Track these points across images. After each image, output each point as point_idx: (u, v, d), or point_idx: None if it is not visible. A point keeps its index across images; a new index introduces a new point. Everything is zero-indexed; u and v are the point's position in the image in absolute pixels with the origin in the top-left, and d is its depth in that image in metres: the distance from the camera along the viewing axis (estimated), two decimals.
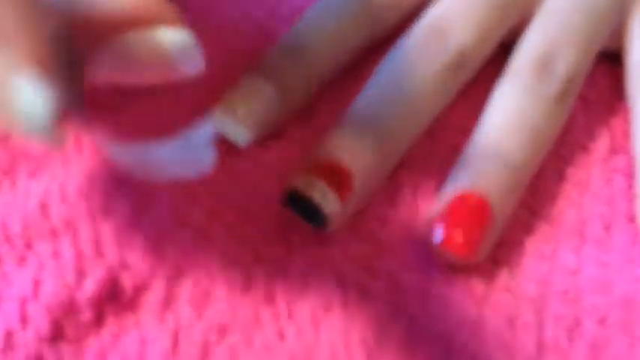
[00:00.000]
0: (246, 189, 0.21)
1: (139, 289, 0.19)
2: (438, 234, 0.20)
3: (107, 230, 0.20)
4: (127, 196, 0.20)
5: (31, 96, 0.12)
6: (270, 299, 0.20)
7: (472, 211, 0.21)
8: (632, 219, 0.22)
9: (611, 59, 0.26)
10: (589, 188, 0.23)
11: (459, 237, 0.20)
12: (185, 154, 0.15)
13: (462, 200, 0.21)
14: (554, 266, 0.21)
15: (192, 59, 0.15)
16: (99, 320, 0.18)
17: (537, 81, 0.23)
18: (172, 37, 0.15)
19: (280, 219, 0.21)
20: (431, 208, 0.21)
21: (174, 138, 0.15)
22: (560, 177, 0.23)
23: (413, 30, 0.24)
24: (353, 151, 0.21)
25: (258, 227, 0.21)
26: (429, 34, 0.23)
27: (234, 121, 0.21)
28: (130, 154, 0.15)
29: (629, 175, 0.23)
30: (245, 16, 0.25)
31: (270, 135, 0.22)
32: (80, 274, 0.19)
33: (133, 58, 0.14)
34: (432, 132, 0.24)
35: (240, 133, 0.22)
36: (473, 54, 0.23)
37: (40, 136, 0.13)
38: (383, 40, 0.25)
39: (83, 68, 0.14)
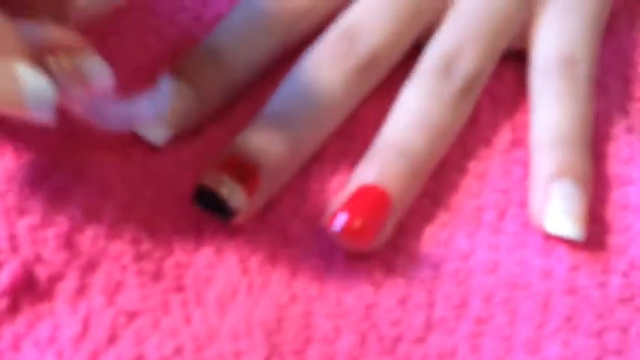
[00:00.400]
0: (160, 184, 0.23)
1: (53, 280, 0.20)
2: (339, 223, 0.22)
3: (22, 226, 0.21)
4: (42, 193, 0.22)
5: (35, 80, 0.15)
6: (179, 287, 0.21)
7: (372, 202, 0.22)
8: (525, 205, 0.24)
9: (517, 57, 0.27)
10: (488, 179, 0.25)
11: (358, 226, 0.22)
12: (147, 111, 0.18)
13: (363, 192, 0.22)
14: (449, 250, 0.23)
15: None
16: (14, 309, 0.20)
17: (440, 80, 0.24)
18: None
19: (192, 212, 0.22)
20: (335, 199, 0.23)
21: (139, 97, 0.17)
22: (462, 169, 0.25)
23: (325, 35, 0.25)
24: (261, 149, 0.22)
25: (170, 220, 0.22)
26: (339, 36, 0.25)
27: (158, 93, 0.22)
28: (102, 110, 0.17)
29: (527, 166, 0.25)
30: (170, 20, 0.26)
31: (186, 133, 0.24)
32: None
33: None
34: (347, 127, 0.25)
35: (158, 132, 0.23)
36: (383, 56, 0.25)
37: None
38: (299, 44, 0.26)
39: None
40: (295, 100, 0.24)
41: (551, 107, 0.25)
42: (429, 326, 0.21)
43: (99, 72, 0.16)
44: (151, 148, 0.23)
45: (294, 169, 0.24)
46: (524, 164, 0.25)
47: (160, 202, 0.22)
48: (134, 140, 0.23)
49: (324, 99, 0.24)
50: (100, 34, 0.25)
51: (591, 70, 0.26)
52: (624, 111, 0.27)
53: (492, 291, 0.22)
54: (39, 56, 0.16)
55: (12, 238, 0.21)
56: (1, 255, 0.20)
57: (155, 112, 0.18)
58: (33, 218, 0.21)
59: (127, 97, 0.19)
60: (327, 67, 0.24)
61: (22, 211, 0.21)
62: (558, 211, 0.23)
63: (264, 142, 0.23)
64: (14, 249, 0.21)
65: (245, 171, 0.22)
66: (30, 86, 0.16)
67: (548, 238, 0.23)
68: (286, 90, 0.24)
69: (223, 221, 0.22)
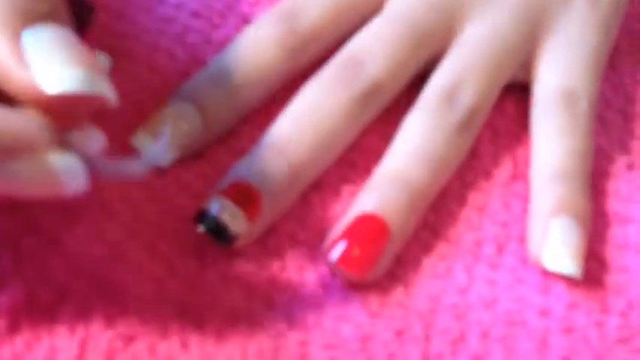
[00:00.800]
0: (163, 207, 0.23)
1: (55, 301, 0.20)
2: (336, 252, 0.22)
3: (26, 247, 0.21)
4: (49, 214, 0.22)
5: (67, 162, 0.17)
6: (179, 312, 0.21)
7: (370, 232, 0.22)
8: (523, 240, 0.24)
9: (520, 89, 0.28)
10: (487, 211, 0.25)
11: (356, 255, 0.22)
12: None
13: (361, 221, 0.22)
14: (447, 283, 0.23)
15: (78, 178, 0.18)
16: (13, 329, 0.20)
17: (442, 112, 0.25)
18: (58, 160, 0.17)
19: (194, 235, 0.22)
20: (335, 228, 0.23)
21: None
22: (462, 200, 0.25)
23: (330, 61, 0.25)
24: (263, 174, 0.23)
25: (173, 243, 0.22)
26: (343, 63, 0.25)
27: (157, 142, 0.23)
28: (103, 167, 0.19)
29: (527, 200, 0.25)
30: (179, 41, 0.27)
31: (191, 156, 0.24)
32: None
33: (17, 181, 0.17)
34: (349, 155, 0.25)
35: (162, 154, 0.23)
36: (387, 84, 0.25)
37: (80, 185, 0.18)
38: (305, 69, 0.26)
39: None
40: (298, 125, 0.24)
41: (551, 142, 0.25)
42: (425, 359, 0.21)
43: (74, 173, 0.18)
44: (154, 170, 0.23)
45: (295, 195, 0.24)
46: (525, 198, 0.25)
47: (162, 224, 0.22)
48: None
49: (327, 125, 0.24)
50: (110, 55, 0.25)
51: (592, 106, 0.26)
52: (625, 148, 0.27)
53: (490, 327, 0.22)
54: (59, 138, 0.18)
55: (16, 258, 0.21)
56: (4, 275, 0.20)
57: (145, 170, 0.19)
58: (38, 239, 0.21)
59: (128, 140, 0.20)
60: (330, 93, 0.24)
61: (26, 232, 0.21)
62: (556, 247, 0.23)
63: (265, 167, 0.23)
64: (18, 269, 0.21)
65: (247, 196, 0.22)
66: (65, 170, 0.17)
67: (546, 274, 0.23)
68: (290, 115, 0.24)
69: (224, 246, 0.22)
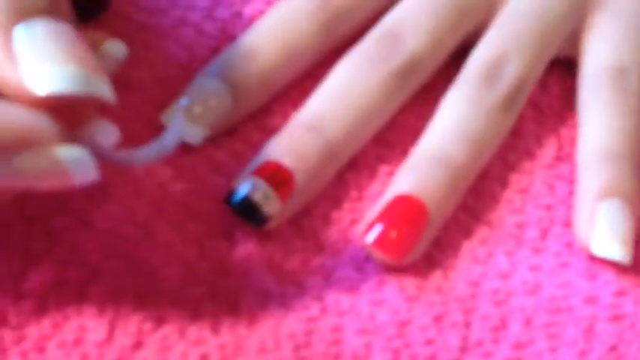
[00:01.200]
0: (194, 186, 0.22)
1: (84, 282, 0.20)
2: (372, 234, 0.21)
3: (57, 226, 0.21)
4: (80, 193, 0.21)
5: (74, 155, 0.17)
6: (210, 295, 0.21)
7: (408, 214, 0.21)
8: (569, 225, 0.23)
9: (565, 66, 0.26)
10: (531, 194, 0.24)
11: (393, 238, 0.21)
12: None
13: (399, 203, 0.22)
14: (488, 268, 0.22)
15: (86, 169, 0.17)
16: (41, 309, 0.19)
17: (484, 88, 0.23)
18: (65, 153, 0.17)
19: (225, 215, 0.22)
20: (371, 209, 0.22)
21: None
22: (504, 183, 0.24)
23: (367, 35, 0.24)
24: (296, 153, 0.22)
25: (203, 224, 0.22)
26: (380, 39, 0.24)
27: (188, 120, 0.22)
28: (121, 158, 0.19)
29: (572, 183, 0.24)
30: (208, 16, 0.26)
31: (221, 134, 0.23)
32: (27, 264, 0.20)
33: (25, 175, 0.17)
34: (385, 135, 0.24)
35: (194, 132, 0.23)
36: (426, 59, 0.24)
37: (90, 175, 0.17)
38: (340, 45, 0.25)
39: None
40: (333, 102, 0.23)
41: (600, 121, 0.24)
42: (464, 348, 0.20)
43: (82, 164, 0.17)
44: (185, 148, 0.23)
45: (330, 175, 0.23)
46: (570, 181, 0.24)
47: (192, 204, 0.22)
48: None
49: (364, 102, 0.23)
50: (140, 30, 0.25)
51: None
52: None
53: (533, 314, 0.21)
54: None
55: (45, 237, 0.20)
56: (33, 254, 0.20)
57: (157, 156, 0.19)
58: (68, 218, 0.21)
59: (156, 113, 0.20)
60: (367, 69, 0.23)
61: (56, 211, 0.21)
62: (604, 232, 0.22)
63: (299, 146, 0.22)
64: (47, 249, 0.20)
65: (279, 176, 0.21)
66: (72, 162, 0.17)
67: (593, 260, 0.22)
68: (324, 92, 0.23)
69: (256, 226, 0.21)
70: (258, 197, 0.21)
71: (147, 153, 0.18)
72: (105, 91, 0.17)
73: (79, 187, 0.17)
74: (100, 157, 0.18)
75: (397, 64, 0.23)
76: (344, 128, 0.23)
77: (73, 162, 0.17)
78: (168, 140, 0.19)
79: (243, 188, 0.21)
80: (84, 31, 0.18)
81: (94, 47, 0.19)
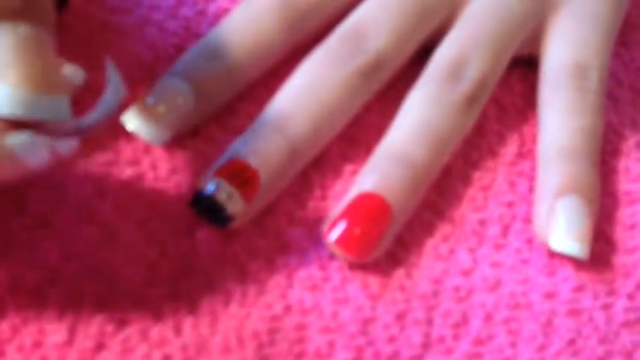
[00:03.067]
0: (157, 186, 0.22)
1: (43, 284, 0.20)
2: (336, 232, 0.21)
3: (15, 227, 0.20)
4: (38, 193, 0.21)
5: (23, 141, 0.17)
6: (172, 295, 0.20)
7: (371, 212, 0.21)
8: (530, 221, 0.23)
9: (527, 64, 0.27)
10: (493, 191, 0.24)
11: (356, 235, 0.21)
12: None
13: (362, 200, 0.22)
14: (450, 265, 0.22)
15: (38, 154, 0.17)
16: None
17: (446, 87, 0.24)
18: (16, 140, 0.17)
19: (188, 215, 0.22)
20: (335, 208, 0.22)
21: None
22: (466, 180, 0.24)
23: (331, 34, 0.24)
24: (260, 153, 0.22)
25: (165, 223, 0.21)
26: (345, 37, 0.24)
27: (150, 120, 0.22)
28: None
29: (533, 179, 0.24)
30: (172, 14, 0.26)
31: (184, 134, 0.23)
32: None
33: None
34: (350, 133, 0.24)
35: (156, 132, 0.22)
36: (389, 58, 0.24)
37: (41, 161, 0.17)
38: (305, 43, 0.25)
39: None
40: (297, 101, 0.23)
41: (560, 118, 0.24)
42: (426, 344, 0.21)
43: (34, 149, 0.17)
44: (147, 148, 0.22)
45: (294, 173, 0.23)
46: (531, 177, 0.24)
47: (155, 204, 0.22)
48: (130, 140, 0.23)
49: (328, 101, 0.23)
50: (101, 29, 0.24)
51: (603, 81, 0.25)
52: (636, 126, 0.26)
53: (493, 310, 0.21)
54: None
55: (2, 239, 0.20)
56: None
57: (105, 115, 0.18)
58: (25, 219, 0.20)
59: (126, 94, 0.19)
60: (331, 67, 0.23)
61: (13, 212, 0.20)
62: (563, 228, 0.22)
63: (263, 145, 0.22)
64: (4, 251, 0.20)
65: (243, 176, 0.21)
66: (21, 147, 0.17)
67: (553, 255, 0.23)
68: (288, 91, 0.23)
69: (220, 226, 0.21)
70: (221, 197, 0.21)
71: (94, 116, 0.18)
72: (60, 113, 0.17)
73: (38, 171, 0.17)
74: (51, 134, 0.17)
75: (361, 62, 0.23)
76: (308, 127, 0.23)
77: (22, 147, 0.17)
78: (111, 96, 0.18)
79: (206, 188, 0.21)
80: None
81: None
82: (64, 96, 0.17)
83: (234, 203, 0.21)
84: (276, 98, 0.23)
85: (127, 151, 0.22)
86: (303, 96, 0.23)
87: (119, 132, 0.22)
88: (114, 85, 0.18)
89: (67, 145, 0.17)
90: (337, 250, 0.21)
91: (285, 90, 0.23)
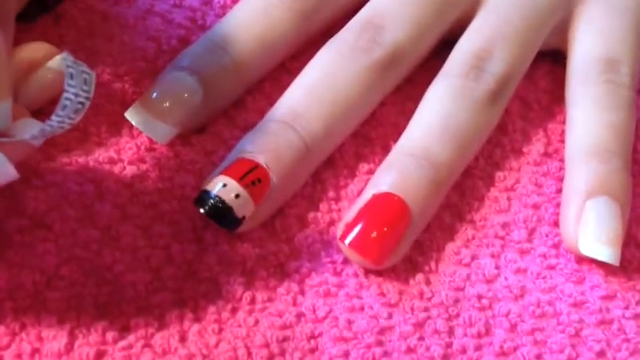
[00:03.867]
0: (162, 186, 0.21)
1: (41, 287, 0.19)
2: (351, 236, 0.20)
3: (11, 227, 0.19)
4: (37, 195, 0.20)
5: None
6: (178, 300, 0.19)
7: (388, 214, 0.20)
8: (557, 224, 0.22)
9: (553, 59, 0.25)
10: (517, 193, 0.23)
11: (372, 239, 0.20)
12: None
13: (379, 202, 0.20)
14: (472, 272, 0.21)
15: (4, 170, 0.17)
16: None
17: (468, 81, 0.22)
18: None
19: (194, 217, 0.21)
20: (350, 210, 0.21)
21: None
22: (489, 180, 0.23)
23: (346, 26, 0.23)
24: (271, 151, 0.21)
25: (170, 226, 0.20)
26: (360, 29, 0.23)
27: (155, 117, 0.21)
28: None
29: (560, 180, 0.23)
30: (176, 4, 0.24)
31: (191, 131, 0.22)
32: None
33: None
34: (365, 131, 0.23)
35: (161, 129, 0.21)
36: (407, 51, 0.23)
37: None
38: (318, 35, 0.24)
39: None
40: (310, 96, 0.22)
41: (589, 115, 0.23)
42: (447, 356, 0.19)
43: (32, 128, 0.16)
44: (152, 146, 0.21)
45: (306, 173, 0.22)
46: (558, 178, 0.23)
47: (160, 205, 0.21)
48: (134, 137, 0.21)
49: (342, 96, 0.22)
50: (102, 21, 0.23)
51: (634, 76, 0.24)
52: None
53: (518, 319, 0.20)
54: None
55: (1, 239, 0.19)
56: None
57: (70, 112, 0.17)
58: (24, 221, 0.19)
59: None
60: (346, 60, 0.22)
61: (13, 212, 0.19)
62: (592, 231, 0.21)
63: (274, 143, 0.21)
64: (2, 252, 0.19)
65: (253, 175, 0.20)
66: None
67: (581, 261, 0.21)
68: (301, 85, 0.22)
69: (227, 229, 0.20)
70: (229, 198, 0.20)
71: (56, 119, 0.17)
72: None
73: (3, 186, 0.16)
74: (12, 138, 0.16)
75: (378, 55, 0.22)
76: (322, 124, 0.21)
77: None
78: (72, 93, 0.17)
79: (213, 188, 0.20)
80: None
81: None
82: (6, 102, 0.16)
83: (242, 204, 0.20)
84: (288, 93, 0.22)
85: (129, 149, 0.21)
86: (317, 90, 0.22)
87: (121, 128, 0.21)
88: (77, 80, 0.17)
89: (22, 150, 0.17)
90: (352, 255, 0.20)
91: (297, 84, 0.22)
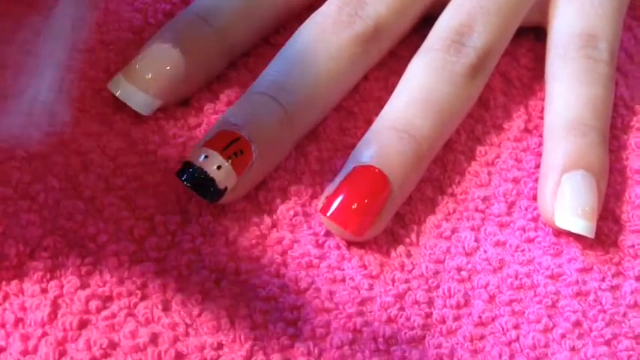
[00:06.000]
0: (145, 158, 0.21)
1: (24, 257, 0.19)
2: (332, 208, 0.20)
3: None
4: (20, 165, 0.20)
5: None
6: (160, 271, 0.19)
7: (369, 186, 0.20)
8: (535, 198, 0.22)
9: (534, 36, 0.25)
10: (498, 167, 0.23)
11: (353, 211, 0.20)
12: None
13: (360, 174, 0.21)
14: (452, 245, 0.21)
15: None
16: None
17: (449, 55, 0.22)
18: None
19: (178, 189, 0.21)
20: (331, 183, 0.21)
21: None
22: (470, 155, 0.23)
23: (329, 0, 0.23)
24: (254, 123, 0.21)
25: (154, 198, 0.20)
26: (344, 2, 0.23)
27: (138, 87, 0.21)
28: None
29: (540, 155, 0.23)
30: None
31: (174, 103, 0.22)
32: None
33: None
34: (348, 105, 0.23)
35: (143, 100, 0.21)
36: (390, 25, 0.23)
37: None
38: (304, 8, 0.24)
39: None
40: (293, 68, 0.22)
41: (567, 90, 0.23)
42: (427, 326, 0.20)
43: None
44: (135, 118, 0.22)
45: (289, 146, 0.22)
46: (538, 153, 0.23)
47: (143, 177, 0.21)
48: (118, 109, 0.21)
49: (325, 68, 0.22)
50: None
51: (613, 52, 0.24)
52: None
53: (497, 291, 0.20)
54: None
55: None
56: None
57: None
58: (7, 190, 0.19)
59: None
60: (329, 33, 0.22)
61: None
62: (569, 204, 0.21)
63: (257, 115, 0.21)
64: None
65: (235, 147, 0.20)
66: None
67: (559, 235, 0.22)
68: (283, 58, 0.22)
69: (210, 201, 0.20)
70: (212, 170, 0.20)
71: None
72: None
73: None
74: None
75: (360, 28, 0.22)
76: (304, 96, 0.21)
77: None
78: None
79: (196, 160, 0.20)
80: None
81: None
82: None
83: (224, 175, 0.20)
84: (271, 65, 0.22)
85: (114, 121, 0.21)
86: (299, 63, 0.22)
87: (105, 100, 0.21)
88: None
89: None
90: (333, 227, 0.20)
91: (279, 57, 0.22)
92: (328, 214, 0.20)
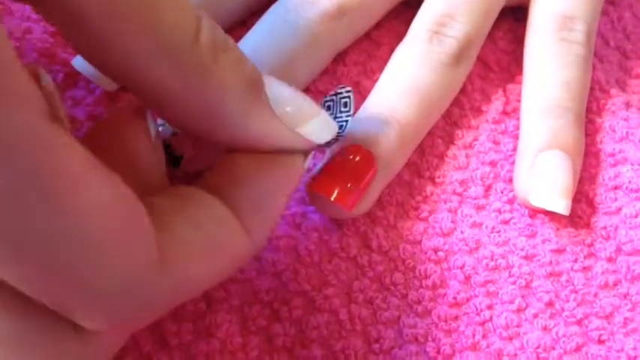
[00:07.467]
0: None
1: None
2: (317, 181, 0.20)
3: None
4: None
5: None
6: None
7: (356, 164, 0.20)
8: (512, 181, 0.23)
9: (514, 17, 0.26)
10: (475, 150, 0.23)
11: (340, 188, 0.20)
12: None
13: (347, 152, 0.21)
14: (429, 226, 0.22)
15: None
16: None
17: (432, 46, 0.23)
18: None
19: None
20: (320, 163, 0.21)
21: None
22: (448, 138, 0.23)
23: None
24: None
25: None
26: None
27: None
28: None
29: (517, 138, 0.24)
30: None
31: None
32: None
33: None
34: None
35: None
36: (353, 6, 0.23)
37: None
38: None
39: None
40: (262, 46, 0.22)
41: (544, 71, 0.23)
42: (403, 306, 0.20)
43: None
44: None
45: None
46: (515, 137, 0.23)
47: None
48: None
49: (291, 45, 0.22)
50: None
51: (590, 34, 0.24)
52: (623, 86, 0.26)
53: (472, 272, 0.21)
54: None
55: None
56: None
57: None
58: None
59: None
60: (294, 13, 0.22)
61: None
62: (543, 183, 0.21)
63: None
64: None
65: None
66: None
67: (534, 216, 0.22)
68: (252, 37, 0.22)
69: (173, 170, 0.20)
70: (166, 134, 0.19)
71: None
72: None
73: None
74: None
75: (324, 7, 0.22)
76: (270, 71, 0.21)
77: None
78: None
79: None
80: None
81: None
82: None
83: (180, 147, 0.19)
84: (241, 44, 0.22)
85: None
86: (267, 42, 0.21)
87: (77, 81, 0.21)
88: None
89: None
90: (319, 204, 0.20)
91: (249, 36, 0.22)
92: (314, 187, 0.20)
